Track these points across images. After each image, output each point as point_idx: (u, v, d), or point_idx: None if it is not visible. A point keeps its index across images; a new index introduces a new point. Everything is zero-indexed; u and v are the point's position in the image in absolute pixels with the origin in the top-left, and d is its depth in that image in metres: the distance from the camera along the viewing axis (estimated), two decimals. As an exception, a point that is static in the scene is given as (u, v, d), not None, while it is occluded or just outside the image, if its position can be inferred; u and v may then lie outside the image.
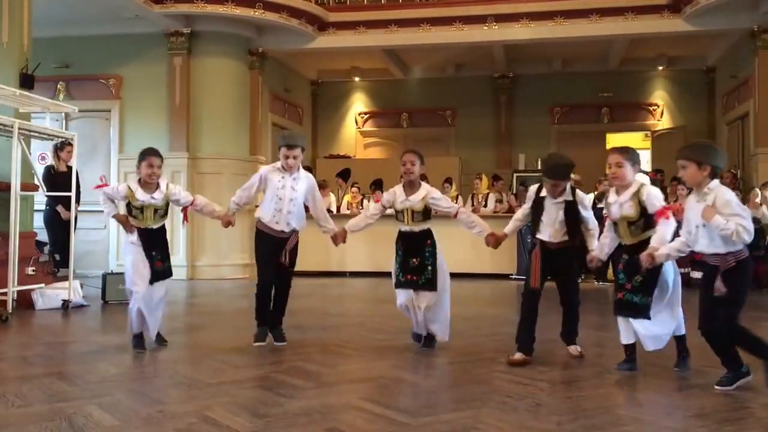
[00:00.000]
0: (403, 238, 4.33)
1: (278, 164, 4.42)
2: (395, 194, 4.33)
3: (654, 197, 3.58)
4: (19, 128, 5.91)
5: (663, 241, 3.45)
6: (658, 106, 12.93)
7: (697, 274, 8.61)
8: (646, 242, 3.55)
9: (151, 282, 4.25)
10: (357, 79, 13.41)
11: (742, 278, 3.26)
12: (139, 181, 4.26)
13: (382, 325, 5.35)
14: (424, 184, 4.32)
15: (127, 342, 4.44)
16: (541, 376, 3.62)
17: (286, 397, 3.17)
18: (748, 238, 3.14)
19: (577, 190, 4.06)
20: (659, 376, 3.64)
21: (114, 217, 4.34)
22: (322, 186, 10.35)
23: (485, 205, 10.09)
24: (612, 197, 3.70)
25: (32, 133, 6.36)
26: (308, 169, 11.14)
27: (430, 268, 4.20)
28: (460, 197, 10.33)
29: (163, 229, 4.35)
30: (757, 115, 9.55)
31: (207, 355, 4.20)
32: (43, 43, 8.16)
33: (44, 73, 7.66)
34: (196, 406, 3.03)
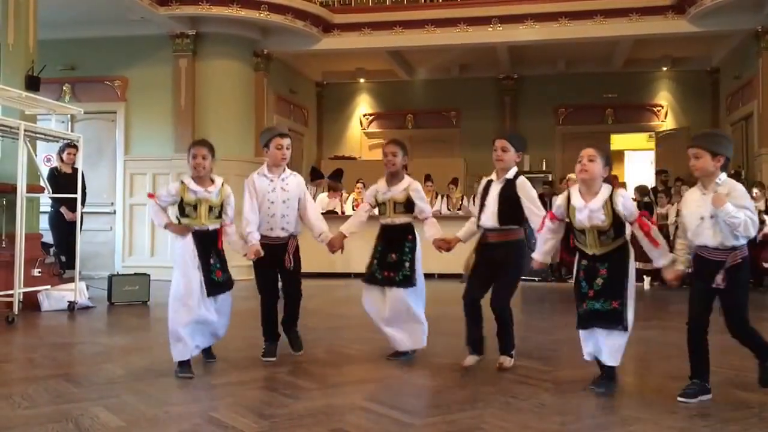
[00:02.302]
0: (383, 231, 4.17)
1: (261, 169, 4.13)
2: (377, 188, 4.20)
3: (631, 204, 3.32)
4: (25, 130, 5.94)
5: (666, 253, 3.27)
6: (662, 107, 12.91)
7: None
8: (615, 251, 3.29)
9: (209, 294, 3.76)
10: (362, 80, 13.43)
11: (746, 274, 3.20)
12: (192, 176, 3.88)
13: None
14: (406, 176, 4.17)
15: (133, 343, 4.44)
16: (546, 376, 3.62)
17: (291, 398, 3.18)
18: (754, 231, 3.06)
19: (522, 176, 3.82)
20: (662, 375, 3.64)
21: (167, 227, 3.86)
22: (335, 188, 10.33)
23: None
24: (577, 201, 3.33)
25: (38, 135, 6.40)
26: (316, 171, 11.24)
27: (407, 264, 4.02)
28: (465, 198, 10.34)
29: (218, 233, 3.88)
30: (761, 115, 9.53)
31: (212, 356, 4.21)
32: (48, 46, 8.19)
33: (50, 75, 7.69)
34: (201, 407, 3.05)
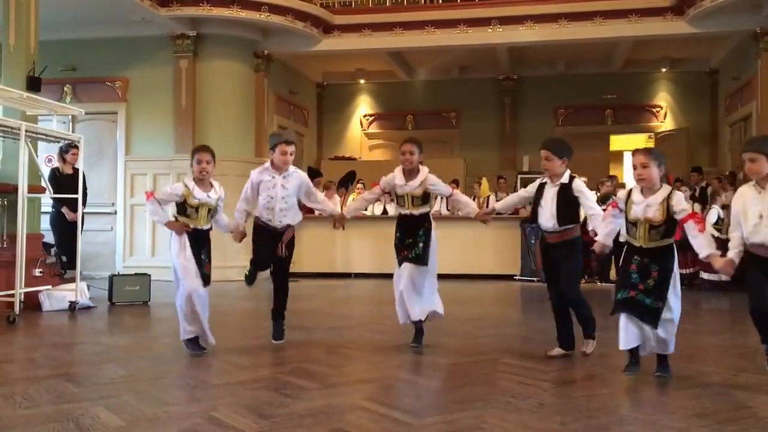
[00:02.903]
0: (402, 220, 4.49)
1: (266, 165, 4.50)
2: (394, 178, 4.47)
3: (685, 204, 3.56)
4: (26, 131, 5.95)
5: (713, 245, 3.49)
6: (662, 108, 12.93)
7: (707, 275, 8.62)
8: (662, 249, 3.54)
9: (205, 285, 4.20)
10: (362, 81, 13.45)
11: None
12: (194, 179, 4.23)
13: (386, 327, 5.36)
14: (422, 169, 4.44)
15: (134, 343, 4.45)
16: (545, 376, 3.63)
17: (291, 398, 3.19)
18: None
19: (577, 178, 4.12)
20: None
21: (167, 225, 4.20)
22: (328, 186, 10.39)
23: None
24: (637, 197, 3.61)
25: (39, 136, 6.41)
26: (313, 170, 11.26)
27: (421, 245, 4.34)
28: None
29: (209, 231, 4.30)
30: (760, 116, 9.54)
31: (212, 356, 4.22)
32: (49, 46, 8.21)
33: (51, 75, 7.72)
34: (201, 406, 3.05)
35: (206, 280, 4.19)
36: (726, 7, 9.03)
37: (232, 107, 10.11)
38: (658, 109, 12.95)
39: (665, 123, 12.88)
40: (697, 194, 9.75)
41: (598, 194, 8.66)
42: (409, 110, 13.55)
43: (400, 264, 4.44)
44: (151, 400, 3.19)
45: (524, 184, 11.17)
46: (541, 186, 4.15)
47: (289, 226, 4.47)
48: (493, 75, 12.89)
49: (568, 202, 4.02)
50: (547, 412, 2.97)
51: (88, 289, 6.78)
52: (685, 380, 3.51)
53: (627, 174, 13.85)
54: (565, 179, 4.06)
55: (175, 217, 4.21)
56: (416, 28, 10.46)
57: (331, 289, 8.60)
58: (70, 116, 9.64)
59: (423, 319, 4.43)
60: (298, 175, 4.52)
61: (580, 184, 4.07)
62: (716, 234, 7.98)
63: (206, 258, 4.22)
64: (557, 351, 4.13)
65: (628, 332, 3.59)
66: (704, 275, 8.60)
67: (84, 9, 9.17)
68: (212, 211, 4.23)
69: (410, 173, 4.43)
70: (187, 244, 4.13)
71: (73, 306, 6.29)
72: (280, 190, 4.41)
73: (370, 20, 10.58)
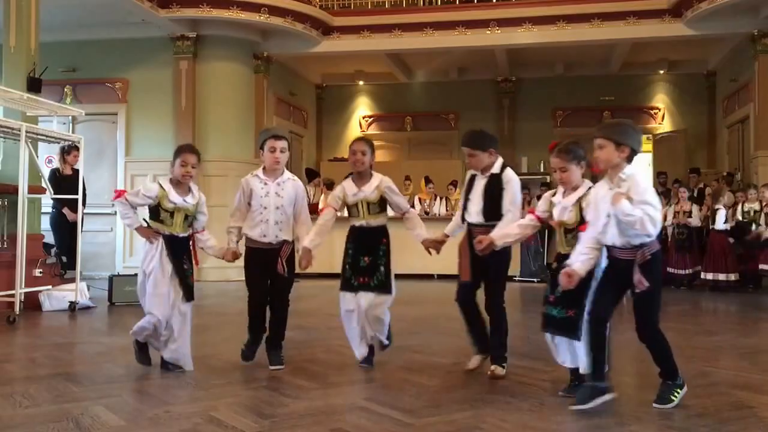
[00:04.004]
0: (355, 234, 3.86)
1: (258, 171, 3.90)
2: (344, 189, 3.89)
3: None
4: (27, 131, 5.96)
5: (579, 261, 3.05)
6: (659, 110, 12.96)
7: (711, 276, 8.64)
8: None
9: (188, 299, 3.76)
10: (361, 82, 13.48)
11: (658, 272, 2.96)
12: (171, 181, 3.78)
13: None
14: (375, 174, 3.90)
15: (132, 342, 4.44)
16: (545, 376, 3.64)
17: (291, 398, 3.20)
18: (653, 230, 2.86)
19: (508, 168, 3.65)
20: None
21: (137, 230, 3.76)
22: (331, 187, 10.37)
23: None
24: (558, 197, 3.28)
25: (39, 137, 6.42)
26: (311, 171, 11.26)
27: (382, 269, 3.78)
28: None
29: (188, 240, 3.82)
30: (757, 118, 9.58)
31: (212, 356, 4.23)
32: (50, 48, 8.22)
33: (51, 76, 7.73)
34: (201, 406, 3.05)
35: (189, 293, 3.75)
36: (723, 9, 9.07)
37: (231, 108, 10.12)
38: (656, 110, 12.99)
39: (663, 125, 12.91)
40: (695, 195, 9.78)
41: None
42: (408, 112, 13.57)
43: (352, 290, 3.82)
44: (150, 399, 3.20)
45: (524, 185, 11.25)
46: (473, 178, 3.70)
47: (286, 242, 3.85)
48: (492, 77, 12.92)
49: (496, 195, 3.55)
50: (547, 412, 2.98)
51: (88, 289, 6.79)
52: (687, 380, 3.51)
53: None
54: (495, 169, 3.60)
55: (147, 223, 3.77)
56: (415, 30, 10.49)
57: (331, 289, 8.55)
58: (70, 117, 9.65)
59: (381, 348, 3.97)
60: (294, 184, 3.93)
61: (510, 175, 3.60)
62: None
63: (190, 268, 3.78)
64: (476, 360, 3.70)
65: (552, 348, 3.29)
66: (710, 276, 8.62)
67: (84, 10, 9.18)
68: (190, 218, 3.76)
69: (361, 178, 3.87)
70: (164, 253, 3.68)
71: (73, 306, 6.30)
72: (274, 198, 3.80)
73: (369, 22, 10.61)
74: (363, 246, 3.83)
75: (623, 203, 2.81)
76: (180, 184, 3.76)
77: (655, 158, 12.69)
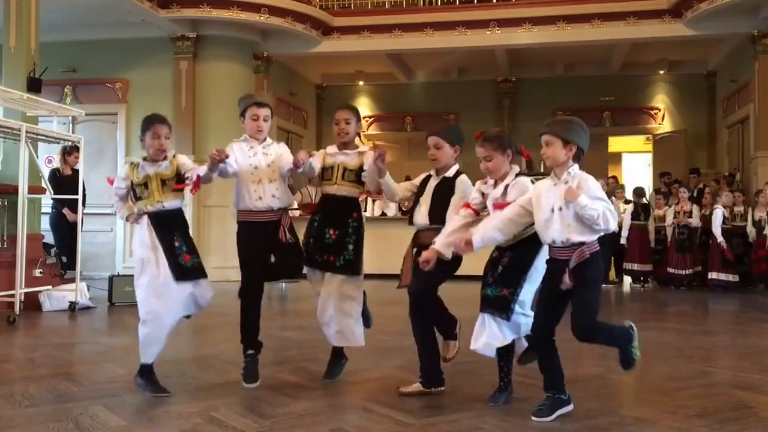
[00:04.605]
0: (325, 202, 3.55)
1: (244, 136, 3.64)
2: (324, 152, 3.61)
3: (516, 194, 3.04)
4: (27, 132, 5.96)
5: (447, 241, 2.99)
6: (659, 110, 12.96)
7: (716, 275, 8.65)
8: (522, 242, 3.07)
9: (178, 279, 3.30)
10: (361, 83, 13.48)
11: (598, 272, 2.91)
12: (145, 159, 3.43)
13: (386, 327, 5.37)
14: (362, 145, 3.64)
15: (134, 343, 4.44)
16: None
17: (291, 398, 3.20)
18: (613, 224, 2.84)
19: (464, 175, 3.38)
20: (661, 376, 3.66)
21: (128, 219, 3.49)
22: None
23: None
24: (486, 187, 3.20)
25: (39, 137, 6.42)
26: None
27: (351, 247, 3.45)
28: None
29: (180, 213, 3.43)
30: (757, 118, 9.58)
31: (213, 356, 4.24)
32: (50, 48, 8.22)
33: (51, 77, 7.73)
34: (201, 406, 3.06)
35: (186, 273, 3.31)
36: (723, 10, 9.07)
37: (231, 109, 9.97)
38: (656, 111, 12.99)
39: (663, 125, 12.91)
40: (695, 195, 9.78)
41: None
42: (408, 112, 13.57)
43: (317, 267, 3.51)
44: (151, 399, 3.20)
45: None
46: (426, 179, 3.44)
47: (282, 209, 3.52)
48: (492, 77, 12.92)
49: (445, 198, 3.29)
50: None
51: (88, 289, 6.79)
52: (685, 380, 3.52)
53: (626, 175, 13.89)
54: (450, 173, 3.34)
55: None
56: (415, 30, 10.49)
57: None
58: (70, 117, 9.65)
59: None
60: (279, 145, 3.65)
61: (464, 180, 3.34)
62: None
63: (183, 245, 3.34)
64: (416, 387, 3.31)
65: (476, 332, 3.11)
66: (713, 275, 8.63)
67: (84, 10, 9.18)
68: (169, 182, 3.34)
69: (345, 147, 3.58)
70: (153, 234, 3.31)
71: (73, 306, 6.30)
72: (263, 157, 3.51)
73: (369, 22, 10.61)
74: (330, 216, 3.49)
75: (582, 197, 2.76)
76: (154, 160, 3.39)
77: (655, 158, 12.71)
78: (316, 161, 3.56)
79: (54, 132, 6.67)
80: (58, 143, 6.91)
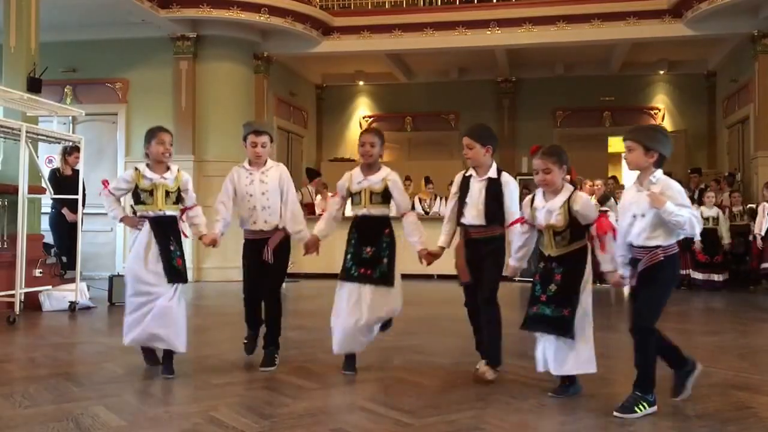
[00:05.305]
0: (357, 223, 3.83)
1: (245, 163, 4.03)
2: (351, 177, 3.88)
3: (590, 208, 3.24)
4: (27, 132, 5.96)
5: (614, 259, 3.13)
6: (660, 110, 12.96)
7: (698, 275, 8.67)
8: (572, 254, 3.23)
9: (170, 281, 3.64)
10: (361, 83, 13.48)
11: (671, 275, 3.00)
12: (148, 165, 3.81)
13: (385, 328, 5.37)
14: (384, 167, 3.89)
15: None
16: (545, 376, 3.63)
17: (291, 398, 3.20)
18: (699, 228, 2.96)
19: (504, 172, 3.69)
20: (659, 376, 3.66)
21: (122, 220, 3.86)
22: (327, 187, 10.39)
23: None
24: (539, 201, 3.32)
25: (39, 137, 6.42)
26: (311, 170, 11.26)
27: (386, 260, 3.73)
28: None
29: (176, 221, 3.80)
30: (757, 118, 9.59)
31: (213, 356, 4.24)
32: (50, 48, 8.22)
33: (52, 77, 7.73)
34: (202, 406, 3.06)
35: (177, 276, 3.66)
36: (723, 10, 9.07)
37: (231, 109, 10.12)
38: (656, 111, 12.99)
39: (663, 125, 12.91)
40: (695, 196, 9.77)
41: (595, 196, 8.68)
42: (408, 112, 13.58)
43: (351, 279, 3.76)
44: (150, 399, 3.21)
45: (524, 186, 11.28)
46: (466, 179, 3.69)
47: (277, 228, 3.92)
48: (492, 77, 12.92)
49: (495, 198, 3.58)
50: (547, 412, 2.98)
51: (88, 289, 6.79)
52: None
53: (626, 175, 13.88)
54: (492, 173, 3.63)
55: (133, 210, 3.82)
56: (415, 30, 10.50)
57: (331, 289, 8.56)
58: (70, 117, 9.65)
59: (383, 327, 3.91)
60: (278, 169, 4.00)
61: (509, 181, 3.66)
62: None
63: (177, 250, 3.70)
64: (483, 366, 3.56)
65: (538, 355, 3.32)
66: (695, 275, 8.64)
67: (84, 11, 9.18)
68: (172, 195, 3.74)
69: (370, 168, 3.85)
70: (151, 236, 3.65)
71: (73, 306, 6.30)
72: (259, 185, 3.91)
73: (369, 22, 10.61)
74: (365, 236, 3.79)
75: (668, 204, 2.87)
76: (157, 164, 3.78)
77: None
78: (337, 201, 3.98)
79: (54, 132, 6.67)
80: (59, 143, 6.91)
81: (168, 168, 3.80)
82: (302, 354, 4.28)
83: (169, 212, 3.74)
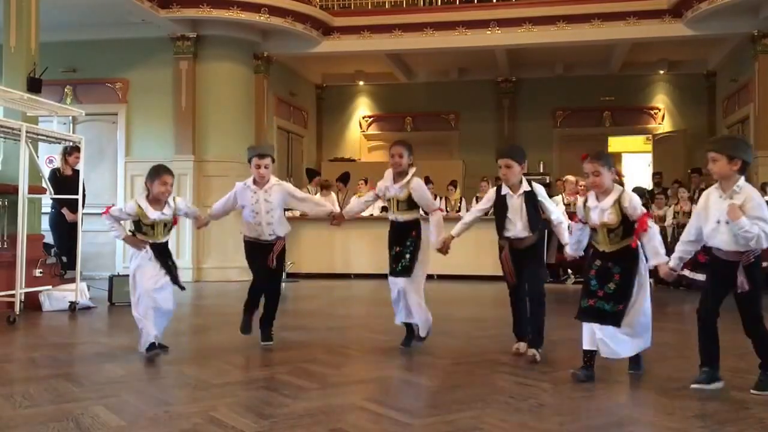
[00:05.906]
0: (391, 227, 4.45)
1: (249, 181, 4.46)
2: (386, 183, 4.44)
3: (637, 205, 3.52)
4: (27, 132, 5.96)
5: (658, 252, 3.45)
6: (660, 110, 12.97)
7: (700, 276, 8.67)
8: (624, 249, 3.51)
9: (173, 282, 4.32)
10: (361, 83, 13.49)
11: (759, 273, 3.24)
12: (148, 197, 4.24)
13: (385, 327, 5.37)
14: (410, 172, 4.39)
15: (134, 343, 4.46)
16: (544, 376, 3.64)
17: (290, 398, 3.20)
18: (766, 243, 3.16)
19: (532, 182, 4.17)
20: (660, 376, 3.67)
21: (124, 240, 4.36)
22: (326, 186, 10.42)
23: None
24: (592, 202, 3.62)
25: (40, 137, 6.42)
26: (311, 170, 11.27)
27: (408, 256, 4.28)
28: (464, 200, 10.39)
29: (167, 242, 4.39)
30: (757, 118, 9.59)
31: (212, 356, 4.23)
32: (50, 48, 8.22)
33: (52, 77, 7.73)
34: (201, 406, 3.06)
35: (176, 280, 4.34)
36: (723, 10, 9.07)
37: (231, 109, 10.13)
38: (656, 111, 13.00)
39: (663, 125, 12.92)
40: (695, 196, 9.78)
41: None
42: (408, 112, 13.58)
43: (390, 275, 4.43)
44: (151, 400, 3.20)
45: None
46: (502, 198, 4.13)
47: (279, 237, 4.47)
48: (492, 77, 12.93)
49: (535, 208, 4.06)
50: (546, 413, 2.98)
51: (88, 289, 6.79)
52: (685, 380, 3.52)
53: (626, 175, 13.87)
54: (526, 187, 4.10)
55: (133, 233, 4.32)
56: (415, 30, 10.50)
57: (330, 289, 8.61)
58: (70, 117, 9.65)
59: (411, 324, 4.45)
60: (280, 188, 4.48)
61: (541, 190, 4.12)
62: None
63: (173, 266, 4.36)
64: (523, 346, 4.13)
65: (587, 333, 3.57)
66: (695, 276, 8.65)
67: (84, 11, 9.19)
68: (168, 225, 4.29)
69: (399, 176, 4.37)
70: (152, 256, 4.24)
71: (73, 306, 6.30)
72: (264, 204, 4.39)
73: (369, 22, 10.61)
74: (395, 238, 4.39)
75: (742, 220, 3.08)
76: (157, 202, 4.22)
77: (655, 158, 12.71)
78: (371, 194, 4.65)
79: (54, 132, 6.67)
80: (59, 143, 6.91)
81: (166, 203, 4.26)
82: (302, 354, 4.28)
83: (164, 239, 4.30)
